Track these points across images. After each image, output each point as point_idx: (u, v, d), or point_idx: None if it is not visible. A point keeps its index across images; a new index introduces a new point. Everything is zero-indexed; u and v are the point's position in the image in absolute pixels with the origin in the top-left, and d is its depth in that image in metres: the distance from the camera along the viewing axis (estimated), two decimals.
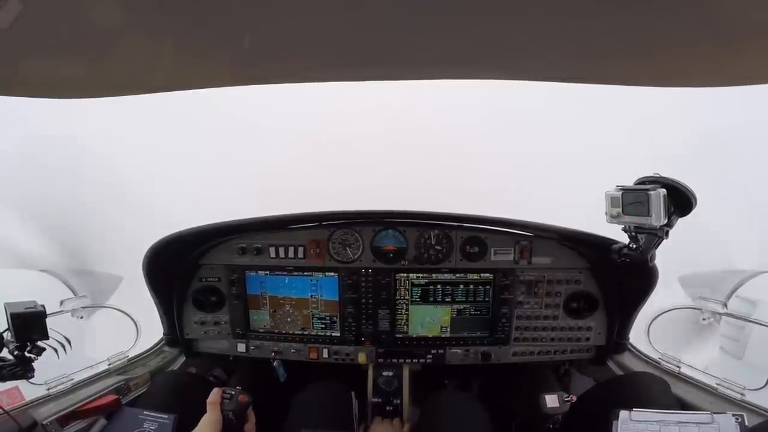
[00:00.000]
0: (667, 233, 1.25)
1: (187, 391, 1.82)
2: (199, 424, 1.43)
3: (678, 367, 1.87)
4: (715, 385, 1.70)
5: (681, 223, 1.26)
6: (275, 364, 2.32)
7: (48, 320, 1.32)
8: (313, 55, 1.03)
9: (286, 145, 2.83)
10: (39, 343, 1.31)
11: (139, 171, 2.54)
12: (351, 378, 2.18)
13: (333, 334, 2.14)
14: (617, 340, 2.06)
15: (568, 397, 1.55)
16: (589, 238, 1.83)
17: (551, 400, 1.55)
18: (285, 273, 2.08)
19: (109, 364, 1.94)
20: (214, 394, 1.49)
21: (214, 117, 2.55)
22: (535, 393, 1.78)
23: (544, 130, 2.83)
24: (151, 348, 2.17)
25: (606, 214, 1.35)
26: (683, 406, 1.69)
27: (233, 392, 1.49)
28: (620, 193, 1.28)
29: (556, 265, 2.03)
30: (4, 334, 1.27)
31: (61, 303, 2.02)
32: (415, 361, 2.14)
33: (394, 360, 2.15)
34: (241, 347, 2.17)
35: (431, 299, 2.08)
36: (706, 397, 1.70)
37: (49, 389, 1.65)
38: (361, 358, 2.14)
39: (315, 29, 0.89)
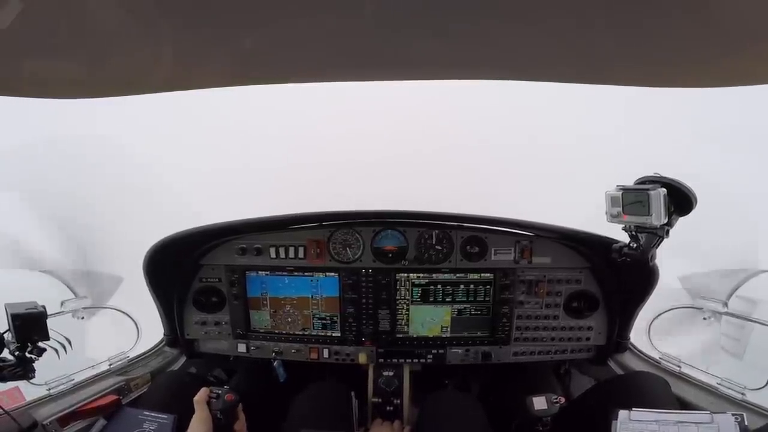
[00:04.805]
0: (667, 232, 1.25)
1: (187, 392, 1.81)
2: (191, 423, 1.44)
3: (679, 366, 1.87)
4: (715, 385, 1.70)
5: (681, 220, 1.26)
6: (275, 364, 2.32)
7: (48, 321, 1.32)
8: (312, 56, 1.03)
9: (286, 145, 2.83)
10: (40, 343, 1.31)
11: (138, 171, 2.54)
12: (351, 378, 2.18)
13: (333, 335, 2.14)
14: (618, 339, 2.06)
15: (556, 398, 1.54)
16: (589, 237, 1.83)
17: (539, 402, 1.54)
18: (285, 273, 2.08)
19: (110, 365, 1.94)
20: (201, 393, 1.50)
21: (213, 117, 2.55)
22: (536, 393, 1.78)
23: (544, 130, 2.83)
24: (152, 348, 2.17)
25: (606, 213, 1.35)
26: (683, 405, 1.69)
27: (220, 391, 1.50)
28: (620, 192, 1.28)
29: (557, 264, 2.03)
30: (5, 335, 1.27)
31: (62, 304, 2.02)
32: (415, 361, 2.14)
33: (395, 360, 2.14)
34: (242, 347, 2.17)
35: (431, 299, 2.07)
36: (707, 396, 1.70)
37: (49, 389, 1.65)
38: (362, 358, 2.14)
39: (315, 30, 0.89)
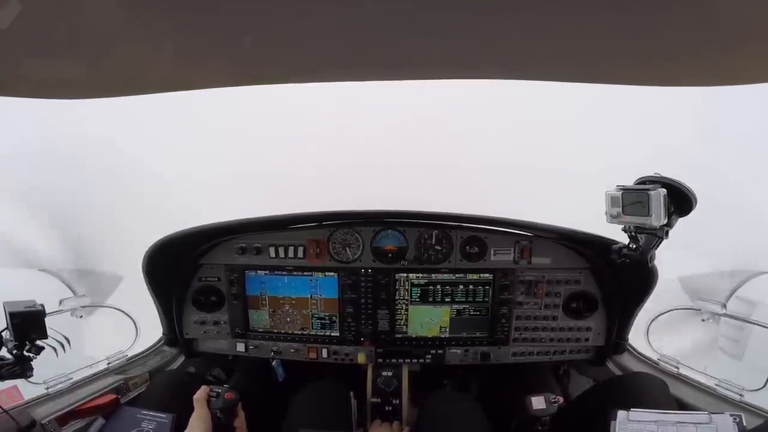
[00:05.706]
0: (667, 233, 1.25)
1: (185, 391, 1.81)
2: (190, 421, 1.44)
3: (677, 367, 1.87)
4: (714, 386, 1.70)
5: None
6: (274, 363, 2.32)
7: (47, 319, 1.32)
8: (313, 55, 1.03)
9: (286, 145, 2.83)
10: (38, 342, 1.31)
11: (138, 171, 2.54)
12: (350, 378, 2.18)
13: (332, 334, 2.14)
14: (616, 340, 2.05)
15: (554, 398, 1.55)
16: (589, 238, 1.83)
17: (537, 402, 1.54)
18: (284, 273, 2.08)
19: (108, 364, 1.94)
20: (201, 391, 1.50)
21: (213, 117, 2.55)
22: (534, 394, 1.78)
23: (544, 130, 2.83)
24: (150, 347, 2.17)
25: (606, 214, 1.35)
26: (682, 406, 1.69)
27: (220, 390, 1.51)
28: (620, 192, 1.28)
29: (556, 265, 2.03)
30: (3, 333, 1.27)
31: (61, 302, 2.02)
32: (414, 361, 2.14)
33: (394, 360, 2.14)
34: (241, 347, 2.17)
35: (431, 299, 2.07)
36: (705, 397, 1.70)
37: (48, 388, 1.64)
38: (361, 358, 2.14)
39: (315, 29, 0.89)
